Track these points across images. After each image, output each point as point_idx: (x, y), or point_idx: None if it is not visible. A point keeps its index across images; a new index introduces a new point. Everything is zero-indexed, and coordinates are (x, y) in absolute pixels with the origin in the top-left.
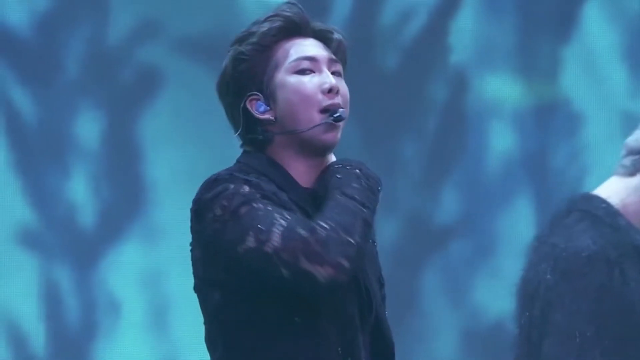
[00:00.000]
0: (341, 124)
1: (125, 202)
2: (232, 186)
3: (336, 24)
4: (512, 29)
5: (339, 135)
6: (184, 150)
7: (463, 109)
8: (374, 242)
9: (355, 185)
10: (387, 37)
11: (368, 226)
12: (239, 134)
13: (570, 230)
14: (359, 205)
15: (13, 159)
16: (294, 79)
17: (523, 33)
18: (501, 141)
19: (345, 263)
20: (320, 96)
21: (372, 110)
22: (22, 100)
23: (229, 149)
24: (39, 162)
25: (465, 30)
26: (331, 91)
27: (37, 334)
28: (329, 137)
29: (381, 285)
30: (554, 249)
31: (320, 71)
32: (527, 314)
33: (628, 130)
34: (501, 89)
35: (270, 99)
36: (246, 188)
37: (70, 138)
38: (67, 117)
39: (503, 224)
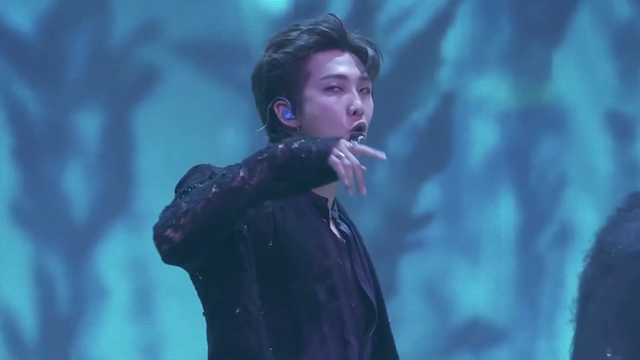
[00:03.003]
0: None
1: (117, 194)
2: (203, 174)
3: None
4: (505, 33)
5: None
6: (175, 146)
7: (454, 108)
8: (357, 235)
9: (250, 157)
10: (383, 37)
11: (223, 193)
12: (264, 129)
13: (621, 227)
14: (222, 176)
15: (14, 150)
16: (321, 97)
17: (516, 37)
18: (490, 141)
19: (171, 233)
20: (345, 117)
21: None
22: (25, 96)
23: (217, 146)
24: (39, 154)
25: (459, 34)
26: (356, 113)
27: (27, 318)
28: None
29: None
30: (601, 244)
31: (348, 90)
32: (574, 307)
33: (615, 130)
34: (492, 91)
35: (297, 108)
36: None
37: (69, 133)
38: (66, 113)
39: (484, 219)
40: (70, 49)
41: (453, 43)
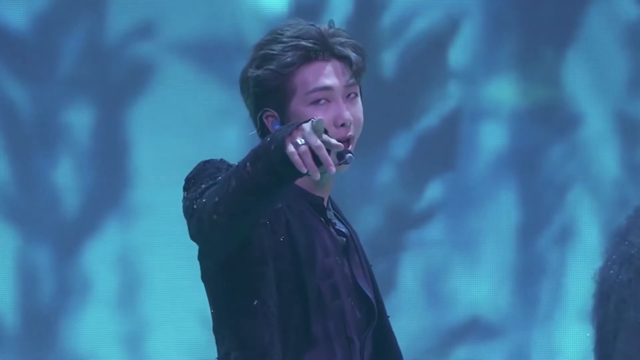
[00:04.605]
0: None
1: (107, 190)
2: (213, 171)
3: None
4: (514, 36)
5: (346, 167)
6: (168, 144)
7: (461, 111)
8: (354, 234)
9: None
10: (388, 39)
11: (237, 188)
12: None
13: None
14: (236, 168)
15: (5, 145)
16: (308, 111)
17: (524, 40)
18: (497, 142)
19: (216, 218)
20: (333, 129)
21: (369, 110)
22: (16, 92)
23: (211, 145)
24: (30, 150)
25: (466, 37)
26: (343, 126)
27: (11, 310)
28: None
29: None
30: (630, 247)
31: (335, 101)
32: (602, 311)
33: (625, 132)
34: (500, 93)
35: (285, 121)
36: (220, 175)
37: (61, 129)
38: (59, 109)
39: (486, 219)
40: (65, 46)
41: (460, 45)
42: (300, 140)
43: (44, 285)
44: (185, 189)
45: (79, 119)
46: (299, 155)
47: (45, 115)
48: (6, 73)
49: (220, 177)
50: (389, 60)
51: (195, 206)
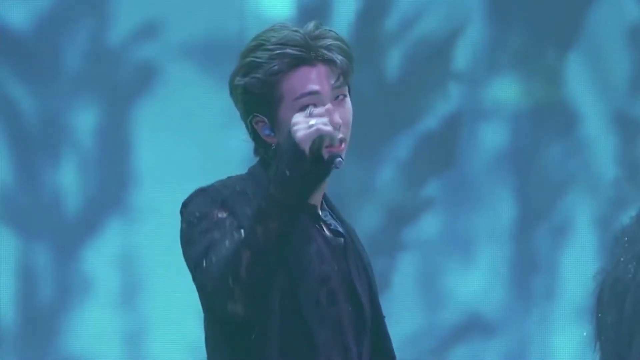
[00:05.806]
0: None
1: (109, 191)
2: (209, 205)
3: (340, 27)
4: (516, 36)
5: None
6: (170, 145)
7: (461, 111)
8: (352, 233)
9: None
10: (391, 40)
11: (255, 255)
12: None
13: None
14: (245, 237)
15: (8, 146)
16: None
17: (527, 40)
18: (498, 143)
19: (233, 308)
20: None
21: (371, 110)
22: (19, 93)
23: (214, 147)
24: (32, 149)
25: (469, 37)
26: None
27: (11, 309)
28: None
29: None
30: None
31: (324, 105)
32: (616, 311)
33: (625, 132)
34: (501, 93)
35: (275, 127)
36: (218, 214)
37: (63, 129)
38: (61, 110)
39: (485, 219)
40: (68, 47)
41: (463, 46)
42: (312, 121)
43: (45, 285)
44: (181, 213)
45: (82, 120)
46: (321, 126)
47: (48, 116)
48: (9, 73)
49: (225, 242)
50: (392, 61)
51: (199, 263)
